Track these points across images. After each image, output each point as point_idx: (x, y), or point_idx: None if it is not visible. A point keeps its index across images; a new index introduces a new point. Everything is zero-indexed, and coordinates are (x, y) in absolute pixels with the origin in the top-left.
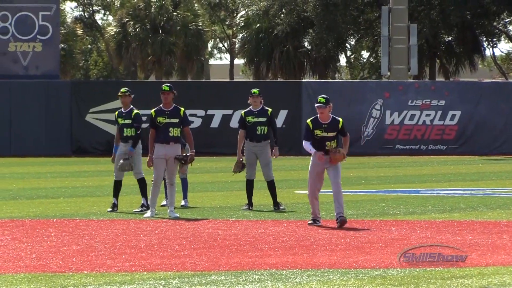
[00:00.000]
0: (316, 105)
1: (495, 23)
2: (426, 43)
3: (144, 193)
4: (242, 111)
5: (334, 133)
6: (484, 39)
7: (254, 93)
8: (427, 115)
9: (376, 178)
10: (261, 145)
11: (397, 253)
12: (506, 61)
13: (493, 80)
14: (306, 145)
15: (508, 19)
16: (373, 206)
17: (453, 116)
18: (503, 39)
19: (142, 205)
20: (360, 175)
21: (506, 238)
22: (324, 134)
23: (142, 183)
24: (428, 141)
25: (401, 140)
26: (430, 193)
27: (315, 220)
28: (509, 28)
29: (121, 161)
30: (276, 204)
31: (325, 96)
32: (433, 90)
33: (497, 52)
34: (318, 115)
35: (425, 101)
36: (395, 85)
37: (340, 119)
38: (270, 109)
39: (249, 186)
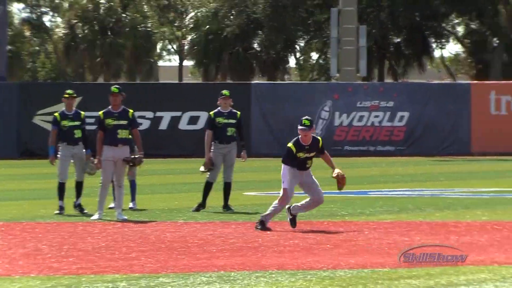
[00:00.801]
0: (299, 127)
1: (444, 25)
2: (375, 44)
3: (78, 194)
4: (211, 112)
5: (315, 153)
6: (433, 40)
7: (224, 94)
8: (376, 116)
9: (324, 179)
10: (229, 147)
11: (345, 254)
12: (454, 62)
13: (442, 81)
14: (284, 175)
15: (457, 21)
16: (322, 207)
17: (402, 117)
18: (451, 40)
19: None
20: None
21: (453, 239)
22: (306, 155)
23: (79, 186)
24: (377, 142)
25: (350, 142)
26: (379, 194)
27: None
28: (457, 29)
29: (91, 164)
30: (226, 206)
31: (309, 118)
32: (382, 91)
33: (446, 53)
34: (300, 137)
35: (374, 103)
36: (344, 86)
37: (319, 138)
38: (239, 112)
39: (208, 188)
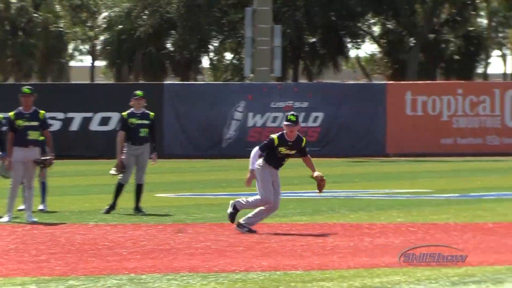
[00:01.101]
0: (285, 123)
1: (359, 24)
2: (290, 44)
3: None
4: (124, 113)
5: (295, 151)
6: (349, 40)
7: (138, 95)
8: None
9: (237, 180)
10: (142, 148)
11: (258, 256)
12: (370, 62)
13: (357, 82)
14: (254, 157)
15: (373, 20)
16: None
17: (316, 118)
18: (367, 40)
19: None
20: (222, 178)
21: (367, 241)
22: (288, 151)
23: None
24: None
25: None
26: (292, 196)
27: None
28: (373, 29)
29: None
30: (138, 208)
31: (295, 113)
32: (296, 92)
33: (362, 53)
34: (286, 132)
35: (288, 103)
36: (258, 87)
37: (303, 138)
38: (152, 113)
39: (120, 189)
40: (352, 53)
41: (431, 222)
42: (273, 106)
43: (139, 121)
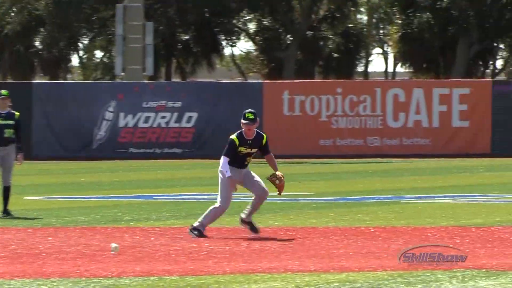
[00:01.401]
0: (243, 121)
1: (234, 21)
2: (163, 42)
3: None
4: None
5: (257, 149)
6: (223, 37)
7: (3, 94)
8: (163, 117)
9: (109, 183)
10: (8, 149)
11: (130, 261)
12: (245, 60)
13: (232, 81)
14: (225, 164)
15: (248, 17)
16: (106, 212)
17: (190, 118)
18: (243, 37)
19: None
20: (93, 180)
21: (244, 245)
22: (248, 150)
23: None
24: (164, 144)
25: (135, 144)
26: (165, 199)
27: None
28: (249, 26)
29: None
30: (6, 211)
31: (252, 111)
32: (169, 91)
33: (237, 51)
34: (244, 131)
35: (160, 103)
36: (130, 86)
37: (264, 135)
38: (17, 113)
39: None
40: (227, 51)
41: (310, 226)
42: (145, 106)
43: (4, 122)
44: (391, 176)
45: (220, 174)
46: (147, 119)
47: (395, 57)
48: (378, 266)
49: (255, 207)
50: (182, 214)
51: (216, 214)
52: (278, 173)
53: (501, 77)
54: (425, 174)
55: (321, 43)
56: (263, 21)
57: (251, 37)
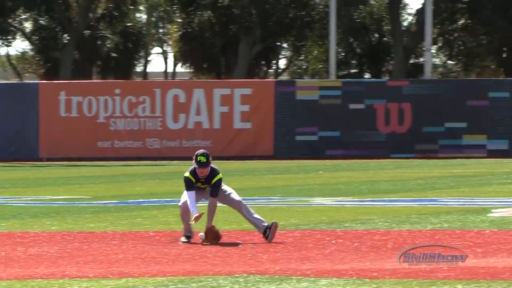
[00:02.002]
0: (195, 165)
1: (10, 20)
2: None
3: None
4: None
5: (207, 186)
6: None
7: None
8: None
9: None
10: None
11: None
12: (21, 60)
13: (7, 81)
14: (190, 199)
15: (24, 16)
16: None
17: None
18: (18, 37)
19: None
20: None
21: (20, 250)
22: (203, 186)
23: None
24: None
25: None
26: None
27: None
28: (25, 25)
29: None
30: None
31: (205, 153)
32: None
33: (13, 51)
34: (197, 170)
35: None
36: None
37: (218, 175)
38: None
39: None
40: (2, 50)
41: (88, 231)
42: None
43: None
44: (172, 179)
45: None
46: None
47: (175, 56)
48: (158, 271)
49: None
50: None
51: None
52: (211, 227)
53: (284, 77)
54: None
55: (99, 42)
56: (40, 20)
57: (27, 36)
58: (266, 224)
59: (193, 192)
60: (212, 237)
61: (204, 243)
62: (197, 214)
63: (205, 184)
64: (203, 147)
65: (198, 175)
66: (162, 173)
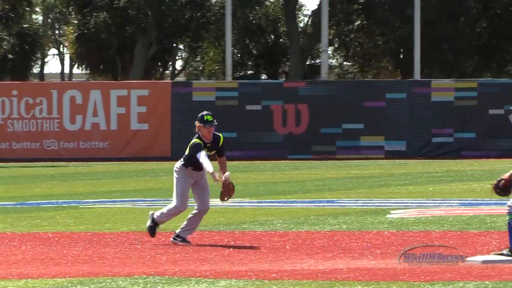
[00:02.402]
0: (201, 124)
1: None
2: None
3: None
4: None
5: (215, 151)
6: None
7: None
8: None
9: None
10: None
11: None
12: None
13: None
14: (204, 159)
15: None
16: None
17: None
18: None
19: None
20: None
21: None
22: (207, 153)
23: None
24: None
25: None
26: None
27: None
28: None
29: None
30: None
31: (210, 113)
32: None
33: None
34: (202, 134)
35: None
36: None
37: (221, 135)
38: None
39: None
40: None
41: None
42: None
43: None
44: (70, 180)
45: (175, 174)
46: None
47: (71, 58)
48: (58, 272)
49: (193, 222)
50: None
51: (170, 215)
52: (227, 175)
53: (181, 78)
54: (104, 178)
55: None
56: None
57: None
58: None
59: (205, 153)
60: (230, 187)
61: (226, 197)
62: (214, 172)
63: (211, 149)
64: (100, 149)
65: (204, 140)
66: (60, 174)
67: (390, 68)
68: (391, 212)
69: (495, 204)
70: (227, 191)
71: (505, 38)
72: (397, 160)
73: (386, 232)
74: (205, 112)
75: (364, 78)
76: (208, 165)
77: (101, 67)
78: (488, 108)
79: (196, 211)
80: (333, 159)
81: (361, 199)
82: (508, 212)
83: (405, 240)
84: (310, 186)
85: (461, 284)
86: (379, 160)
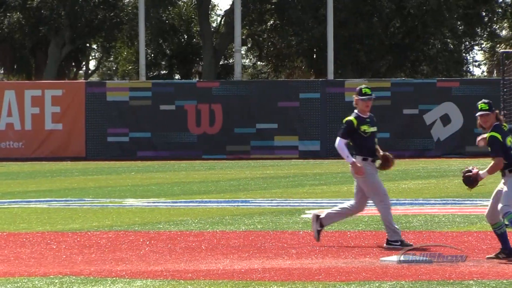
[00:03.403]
0: (360, 97)
1: None
2: None
3: None
4: None
5: (376, 128)
6: None
7: None
8: None
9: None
10: None
11: None
12: None
13: None
14: (342, 146)
15: None
16: None
17: None
18: None
19: None
20: None
21: None
22: (372, 129)
23: None
24: None
25: None
26: None
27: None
28: None
29: None
30: None
31: (369, 86)
32: None
33: None
34: (360, 109)
35: None
36: None
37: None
38: None
39: None
40: None
41: None
42: None
43: None
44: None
45: (358, 176)
46: None
47: None
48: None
49: (341, 216)
50: None
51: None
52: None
53: (94, 78)
54: (19, 178)
55: None
56: None
57: None
58: None
59: (346, 141)
60: (389, 158)
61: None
62: (352, 160)
63: (372, 125)
64: (15, 149)
65: (362, 115)
66: None
67: (303, 68)
68: (306, 212)
69: (410, 204)
70: (387, 160)
71: (418, 38)
72: (311, 160)
73: (301, 232)
74: (363, 86)
75: (277, 78)
76: (347, 154)
77: (15, 67)
78: (402, 108)
79: (348, 208)
80: (248, 159)
81: (276, 199)
82: (505, 214)
83: (320, 240)
84: (225, 186)
85: (377, 284)
86: (294, 160)
